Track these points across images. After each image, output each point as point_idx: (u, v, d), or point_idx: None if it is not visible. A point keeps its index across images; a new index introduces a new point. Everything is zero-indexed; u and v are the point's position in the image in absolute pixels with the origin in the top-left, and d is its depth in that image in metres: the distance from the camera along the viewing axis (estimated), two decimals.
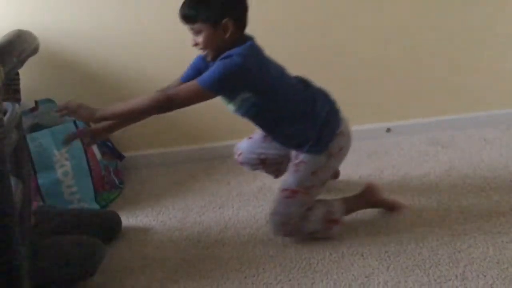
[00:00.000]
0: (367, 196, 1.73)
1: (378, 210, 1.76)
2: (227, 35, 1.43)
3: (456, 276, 1.42)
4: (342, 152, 1.60)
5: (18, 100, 0.73)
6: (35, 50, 0.59)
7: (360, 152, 2.24)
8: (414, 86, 2.33)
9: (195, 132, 2.29)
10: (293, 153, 1.60)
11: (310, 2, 2.14)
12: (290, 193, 1.57)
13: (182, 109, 2.15)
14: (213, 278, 1.49)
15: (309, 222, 1.59)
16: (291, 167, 1.61)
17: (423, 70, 2.31)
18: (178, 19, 2.07)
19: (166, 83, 2.17)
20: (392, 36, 2.24)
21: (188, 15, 1.42)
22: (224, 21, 1.41)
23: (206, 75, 1.41)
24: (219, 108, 2.22)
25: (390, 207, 1.74)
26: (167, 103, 1.44)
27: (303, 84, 1.60)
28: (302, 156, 1.57)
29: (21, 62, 0.39)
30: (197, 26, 1.42)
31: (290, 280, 1.46)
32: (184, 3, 1.43)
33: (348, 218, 1.73)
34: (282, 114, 1.54)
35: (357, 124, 2.34)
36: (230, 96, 1.49)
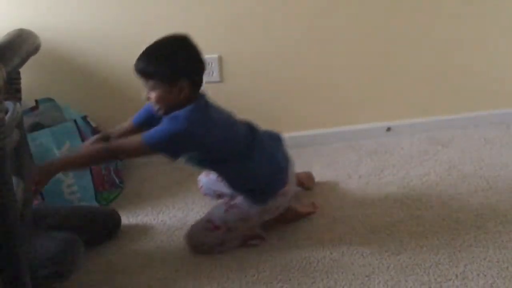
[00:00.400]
0: (287, 216, 1.71)
1: (373, 210, 1.77)
2: (181, 95, 1.42)
3: (457, 276, 1.43)
4: (278, 210, 1.62)
5: (19, 99, 0.73)
6: (36, 49, 0.59)
7: (360, 151, 2.24)
8: (414, 85, 2.33)
9: None
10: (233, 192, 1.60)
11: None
12: (212, 226, 1.57)
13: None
14: (213, 278, 1.49)
15: (224, 246, 1.60)
16: (225, 203, 1.62)
17: (424, 69, 2.31)
18: (178, 17, 2.09)
19: None
20: (392, 35, 2.24)
21: (144, 71, 1.41)
22: (180, 81, 1.40)
23: (152, 133, 1.42)
24: (223, 107, 2.24)
25: (305, 216, 1.74)
26: (112, 156, 1.49)
27: (251, 134, 1.59)
28: (238, 200, 1.58)
29: (23, 62, 0.39)
30: (152, 82, 1.42)
31: (290, 280, 1.46)
32: (141, 57, 1.42)
33: (348, 217, 1.73)
34: (227, 169, 1.56)
35: (357, 123, 2.36)
36: (174, 155, 1.46)
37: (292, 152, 2.24)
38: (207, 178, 1.85)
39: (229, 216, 1.58)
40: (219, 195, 1.80)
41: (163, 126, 1.42)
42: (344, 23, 2.19)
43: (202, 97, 1.51)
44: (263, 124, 2.28)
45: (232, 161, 1.54)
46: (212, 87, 2.20)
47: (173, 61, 1.40)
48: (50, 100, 2.06)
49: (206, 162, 1.58)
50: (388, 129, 2.37)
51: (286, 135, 2.29)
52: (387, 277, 1.44)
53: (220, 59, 2.18)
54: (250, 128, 1.61)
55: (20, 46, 0.38)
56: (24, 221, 0.59)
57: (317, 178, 2.01)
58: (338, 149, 2.27)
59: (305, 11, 2.14)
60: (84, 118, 2.05)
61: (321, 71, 2.25)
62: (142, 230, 1.78)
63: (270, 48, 2.18)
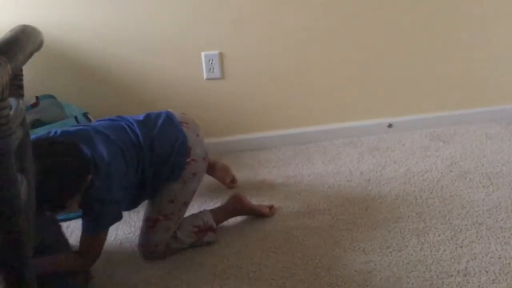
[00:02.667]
0: (234, 205, 1.74)
1: (374, 207, 1.77)
2: (76, 203, 1.36)
3: (458, 272, 1.43)
4: (197, 176, 1.60)
5: (21, 96, 0.73)
6: (39, 46, 0.58)
7: (362, 148, 2.24)
8: (415, 81, 2.33)
9: None
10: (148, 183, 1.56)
11: None
12: (152, 222, 1.56)
13: (189, 102, 2.19)
14: (214, 274, 1.49)
15: (179, 240, 1.59)
16: (148, 202, 1.60)
17: (424, 65, 2.31)
18: (179, 12, 2.08)
19: (169, 77, 2.18)
20: (393, 31, 2.23)
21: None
22: (67, 203, 1.34)
23: (90, 224, 1.41)
24: (220, 104, 2.24)
25: (258, 213, 1.75)
26: (86, 263, 1.44)
27: (148, 125, 1.56)
28: (156, 186, 1.56)
29: (27, 58, 0.38)
30: None
31: (292, 276, 1.46)
32: None
33: (350, 213, 1.73)
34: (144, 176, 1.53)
35: (358, 120, 2.35)
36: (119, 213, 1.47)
37: (293, 149, 2.26)
38: None
39: (157, 204, 1.56)
40: None
41: (92, 213, 1.40)
42: (345, 20, 2.18)
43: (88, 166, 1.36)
44: (264, 120, 2.29)
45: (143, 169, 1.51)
46: (213, 84, 2.21)
47: (54, 198, 1.31)
48: (50, 96, 2.05)
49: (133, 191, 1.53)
50: (389, 125, 2.37)
51: (287, 132, 2.31)
52: (388, 274, 1.44)
53: (221, 56, 2.17)
54: (133, 132, 1.53)
55: (24, 42, 0.38)
56: (28, 219, 0.59)
57: (319, 175, 2.01)
58: (339, 146, 2.27)
59: (307, 7, 2.14)
60: (85, 114, 2.04)
61: (321, 67, 2.25)
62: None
63: (271, 44, 2.18)
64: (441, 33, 2.27)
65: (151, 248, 1.56)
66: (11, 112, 0.53)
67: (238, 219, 1.76)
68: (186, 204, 1.61)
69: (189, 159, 1.57)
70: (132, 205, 1.62)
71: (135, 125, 1.54)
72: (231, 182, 1.96)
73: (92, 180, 1.35)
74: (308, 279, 1.44)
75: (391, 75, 2.31)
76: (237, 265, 1.53)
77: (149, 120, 1.59)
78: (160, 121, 1.59)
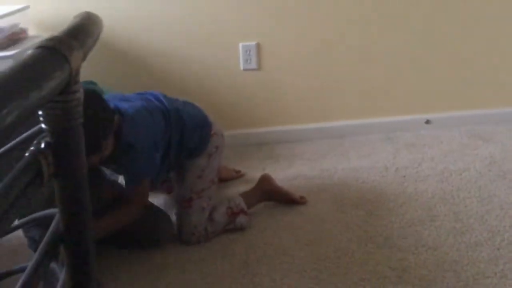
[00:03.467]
0: (263, 186, 1.77)
1: (410, 204, 1.74)
2: (108, 150, 1.41)
3: (495, 274, 1.40)
4: (219, 150, 1.67)
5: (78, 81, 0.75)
6: (101, 33, 0.60)
7: (398, 143, 2.20)
8: (455, 77, 2.28)
9: (231, 117, 2.30)
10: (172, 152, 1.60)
11: None
12: (186, 203, 1.60)
13: (226, 92, 2.20)
14: (246, 263, 1.51)
15: (214, 222, 1.63)
16: (176, 179, 1.65)
17: (465, 61, 2.25)
18: (217, 2, 2.08)
19: (207, 67, 2.19)
20: (434, 27, 2.18)
21: None
22: (103, 145, 1.38)
23: (128, 176, 1.49)
24: (256, 95, 2.24)
25: (288, 198, 1.77)
26: (134, 214, 1.51)
27: (167, 104, 1.59)
28: (183, 165, 1.61)
29: (93, 44, 0.40)
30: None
31: (324, 269, 1.46)
32: None
33: (384, 210, 1.72)
34: (175, 149, 1.58)
35: (396, 115, 2.32)
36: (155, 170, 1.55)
37: (328, 143, 2.24)
38: None
39: (188, 182, 1.61)
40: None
41: (132, 162, 1.46)
42: (383, 13, 2.15)
43: (115, 122, 1.42)
44: (300, 112, 2.28)
45: (173, 137, 1.57)
46: (249, 74, 2.22)
47: (89, 136, 1.39)
48: (91, 83, 2.10)
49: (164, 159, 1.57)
50: (427, 121, 2.32)
51: (322, 125, 2.30)
52: (424, 272, 1.42)
53: (258, 46, 2.17)
54: (158, 100, 1.60)
55: (91, 28, 0.39)
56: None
57: (354, 170, 1.99)
58: (375, 141, 2.24)
59: (345, 0, 2.11)
60: None
61: (359, 61, 2.22)
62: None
63: (309, 36, 2.16)
64: (483, 30, 2.21)
65: (190, 229, 1.60)
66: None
67: (270, 209, 1.77)
68: (213, 182, 1.66)
69: (212, 132, 1.65)
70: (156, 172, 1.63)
71: (160, 96, 1.62)
72: (237, 172, 2.02)
73: (120, 124, 1.41)
74: (341, 273, 1.44)
75: (431, 70, 2.26)
76: (270, 255, 1.54)
77: (171, 97, 1.66)
78: (180, 99, 1.68)
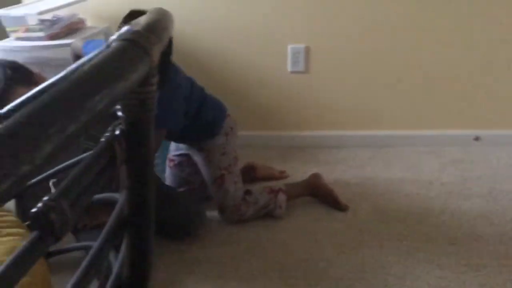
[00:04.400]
0: (311, 180, 1.83)
1: (453, 222, 1.70)
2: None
3: None
4: (233, 131, 1.76)
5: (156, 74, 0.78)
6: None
7: (445, 158, 2.15)
8: (508, 94, 2.20)
9: (275, 119, 2.31)
10: (197, 152, 1.73)
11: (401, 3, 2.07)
12: (219, 180, 1.68)
13: (272, 93, 2.22)
14: (282, 265, 1.51)
15: (254, 197, 1.71)
16: (203, 163, 1.71)
17: None
18: (267, 4, 2.09)
19: (255, 67, 2.20)
20: (489, 43, 2.12)
21: None
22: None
23: (161, 114, 1.53)
24: (302, 98, 2.24)
25: (333, 200, 1.78)
26: None
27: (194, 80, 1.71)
28: (205, 146, 1.70)
29: (167, 39, 0.41)
30: None
31: (361, 279, 1.45)
32: None
33: (426, 225, 1.68)
34: (196, 120, 1.67)
35: (443, 129, 2.26)
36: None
37: (372, 151, 2.22)
38: (169, 179, 1.89)
39: (214, 161, 1.69)
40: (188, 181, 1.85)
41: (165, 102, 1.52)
42: (441, 25, 2.10)
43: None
44: (345, 118, 2.26)
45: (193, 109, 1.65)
46: (296, 77, 2.22)
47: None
48: None
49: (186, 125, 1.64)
50: (476, 138, 2.26)
51: (367, 133, 2.27)
52: None
53: (307, 50, 2.17)
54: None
55: (167, 24, 0.41)
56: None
57: (397, 181, 1.96)
58: (420, 153, 2.20)
59: (401, 5, 2.07)
60: None
61: (410, 71, 2.18)
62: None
63: (360, 42, 2.14)
64: None
65: (231, 202, 1.68)
66: None
67: (309, 213, 1.77)
68: (236, 159, 1.75)
69: (227, 113, 1.76)
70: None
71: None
72: (281, 173, 2.04)
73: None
74: (378, 285, 1.42)
75: (483, 85, 2.19)
76: (306, 259, 1.54)
77: None
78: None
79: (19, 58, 1.89)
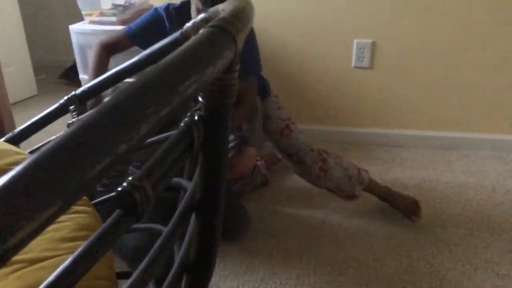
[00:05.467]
0: (406, 199, 1.70)
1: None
2: None
3: None
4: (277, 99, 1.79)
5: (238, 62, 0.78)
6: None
7: (510, 164, 2.05)
8: None
9: (335, 114, 2.28)
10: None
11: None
12: (286, 130, 1.68)
13: (334, 87, 2.19)
14: (334, 261, 1.50)
15: (337, 156, 1.69)
16: (265, 123, 1.71)
17: None
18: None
19: (319, 59, 2.18)
20: None
21: None
22: None
23: (251, 61, 1.60)
24: (364, 94, 2.20)
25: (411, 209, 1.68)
26: (248, 112, 1.65)
27: None
28: (266, 104, 1.72)
29: (250, 28, 0.41)
30: None
31: (414, 282, 1.41)
32: None
33: (487, 232, 1.61)
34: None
35: (510, 133, 2.15)
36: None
37: (433, 153, 2.15)
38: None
39: (276, 116, 1.70)
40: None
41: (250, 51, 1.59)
42: (507, 25, 1.99)
43: None
44: (406, 117, 2.20)
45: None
46: (359, 72, 2.18)
47: None
48: None
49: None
50: None
51: (428, 134, 2.20)
52: None
53: (373, 45, 2.12)
54: None
55: (250, 12, 0.41)
56: None
57: (458, 185, 1.89)
58: (484, 158, 2.11)
59: (471, 6, 1.98)
60: None
61: (477, 72, 2.08)
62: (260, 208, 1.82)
63: (428, 41, 2.07)
64: None
65: (306, 148, 1.66)
66: None
67: (365, 213, 1.74)
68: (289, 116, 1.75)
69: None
70: None
71: None
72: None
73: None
74: None
75: None
76: (358, 258, 1.52)
77: None
78: None
79: (91, 41, 1.97)
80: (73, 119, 1.06)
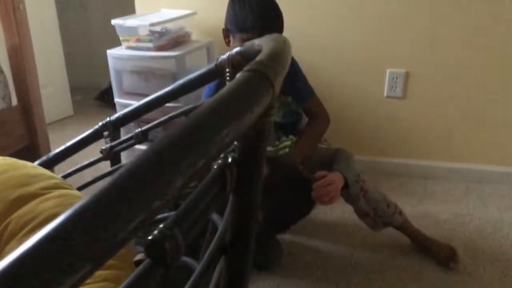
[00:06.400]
0: (442, 247, 1.62)
1: None
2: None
3: None
4: None
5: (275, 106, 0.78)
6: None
7: None
8: None
9: (366, 143, 2.25)
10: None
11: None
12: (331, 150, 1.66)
13: (365, 116, 2.17)
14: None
15: (373, 187, 1.60)
16: None
17: None
18: (375, 25, 2.04)
19: (351, 88, 2.16)
20: None
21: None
22: None
23: (302, 92, 1.67)
24: (396, 124, 2.16)
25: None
26: (325, 123, 1.71)
27: None
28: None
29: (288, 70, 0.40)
30: None
31: None
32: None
33: None
34: None
35: None
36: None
37: (466, 186, 2.08)
38: None
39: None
40: None
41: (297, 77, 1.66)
42: None
43: None
44: (439, 148, 2.15)
45: None
46: (392, 102, 2.15)
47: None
48: None
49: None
50: None
51: (462, 166, 2.14)
52: None
53: (407, 75, 2.09)
54: None
55: (288, 53, 0.40)
56: None
57: (492, 221, 1.82)
58: None
59: (509, 37, 1.94)
60: None
61: None
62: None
63: (462, 71, 2.02)
64: None
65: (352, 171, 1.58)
66: None
67: (394, 249, 1.69)
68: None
69: None
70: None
71: None
72: None
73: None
74: None
75: None
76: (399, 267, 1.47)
77: None
78: None
79: (127, 66, 2.02)
80: (106, 145, 1.08)
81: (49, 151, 1.97)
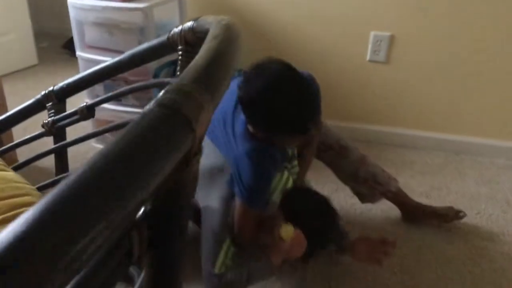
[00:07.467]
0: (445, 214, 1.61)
1: None
2: None
3: None
4: None
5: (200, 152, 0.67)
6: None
7: None
8: None
9: (345, 108, 2.15)
10: None
11: None
12: (343, 149, 1.55)
13: (345, 80, 2.07)
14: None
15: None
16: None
17: None
18: None
19: (333, 51, 2.04)
20: None
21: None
22: None
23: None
24: (377, 90, 2.06)
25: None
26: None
27: None
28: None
29: (226, 89, 0.29)
30: None
31: None
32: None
33: (497, 251, 1.51)
34: None
35: None
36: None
37: (445, 157, 2.02)
38: None
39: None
40: None
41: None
42: None
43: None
44: (420, 117, 2.07)
45: None
46: (374, 67, 2.04)
47: None
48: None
49: None
50: None
51: (441, 136, 2.07)
52: None
53: (391, 38, 1.97)
54: None
55: (229, 65, 0.30)
56: None
57: (469, 196, 1.78)
58: (500, 167, 1.98)
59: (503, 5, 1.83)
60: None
61: (498, 76, 1.93)
62: None
63: (450, 39, 1.91)
64: None
65: (342, 137, 1.57)
66: None
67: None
68: None
69: None
70: None
71: None
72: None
73: None
74: None
75: None
76: (351, 270, 1.42)
77: None
78: None
79: (90, 17, 1.85)
80: (49, 119, 0.96)
81: (5, 106, 1.83)
